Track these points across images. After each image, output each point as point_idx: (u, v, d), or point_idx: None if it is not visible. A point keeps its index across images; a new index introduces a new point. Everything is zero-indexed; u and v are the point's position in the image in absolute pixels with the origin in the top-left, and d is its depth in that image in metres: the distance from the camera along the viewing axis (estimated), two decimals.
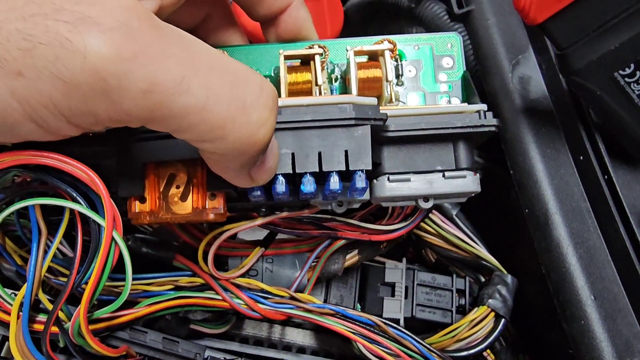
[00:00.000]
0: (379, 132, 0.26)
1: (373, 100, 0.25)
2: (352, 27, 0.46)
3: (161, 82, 0.18)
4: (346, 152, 0.24)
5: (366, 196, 0.27)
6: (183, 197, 0.25)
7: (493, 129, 0.26)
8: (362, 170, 0.25)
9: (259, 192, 0.25)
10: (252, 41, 0.34)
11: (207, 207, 0.25)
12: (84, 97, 0.17)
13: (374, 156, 0.25)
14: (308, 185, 0.24)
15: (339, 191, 0.25)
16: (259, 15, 0.30)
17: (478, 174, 0.27)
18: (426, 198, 0.27)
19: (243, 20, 0.36)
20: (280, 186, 0.24)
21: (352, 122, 0.24)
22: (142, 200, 0.25)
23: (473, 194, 0.28)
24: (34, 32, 0.17)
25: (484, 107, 0.27)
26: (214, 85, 0.19)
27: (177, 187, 0.25)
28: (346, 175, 0.25)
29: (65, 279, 0.27)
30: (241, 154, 0.21)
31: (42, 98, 0.17)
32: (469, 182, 0.26)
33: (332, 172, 0.24)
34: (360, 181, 0.25)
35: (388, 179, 0.26)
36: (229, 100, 0.19)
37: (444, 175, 0.26)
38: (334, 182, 0.24)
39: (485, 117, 0.27)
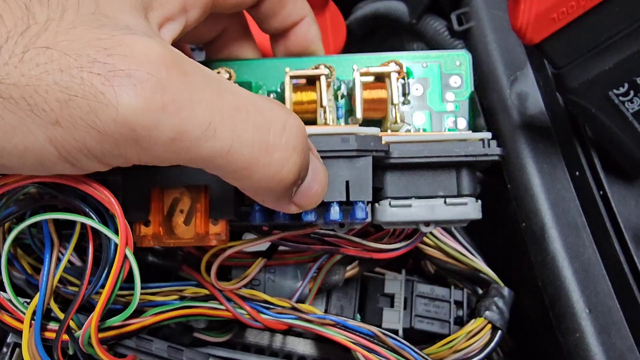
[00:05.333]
0: (382, 159, 0.26)
1: (375, 131, 0.25)
2: (355, 41, 0.47)
3: (188, 130, 0.18)
4: (347, 182, 0.25)
5: (367, 219, 0.27)
6: (186, 222, 0.25)
7: (496, 158, 0.26)
8: (362, 201, 0.25)
9: (260, 217, 0.25)
10: None
11: (209, 232, 0.25)
12: (116, 143, 0.18)
13: (376, 181, 0.26)
14: (309, 215, 0.25)
15: (340, 220, 0.25)
16: (271, 28, 0.30)
17: (479, 201, 0.27)
18: (427, 223, 0.27)
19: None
20: (282, 215, 0.25)
21: (354, 153, 0.25)
22: (147, 223, 0.25)
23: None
24: (70, 85, 0.18)
25: (488, 135, 0.27)
26: (239, 127, 0.19)
27: (181, 211, 0.25)
28: (347, 202, 0.25)
29: (73, 288, 0.28)
30: (269, 191, 0.21)
31: (77, 144, 0.18)
32: (470, 210, 0.26)
33: (333, 202, 0.25)
34: (360, 211, 0.25)
35: (390, 203, 0.26)
36: (252, 142, 0.20)
37: (445, 202, 0.26)
38: (334, 213, 0.25)
39: (489, 146, 0.26)
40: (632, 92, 0.29)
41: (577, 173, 0.33)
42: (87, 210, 0.23)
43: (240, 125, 0.19)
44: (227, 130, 0.19)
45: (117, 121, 0.18)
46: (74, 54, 0.18)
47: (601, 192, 0.32)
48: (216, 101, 0.19)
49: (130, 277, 0.24)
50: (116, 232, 0.23)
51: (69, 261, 0.29)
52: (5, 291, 0.25)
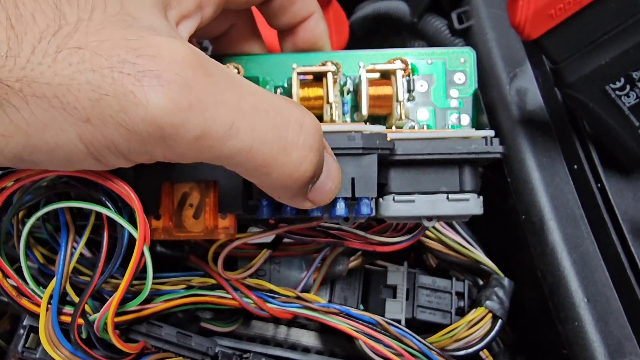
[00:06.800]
0: (386, 156, 0.26)
1: (381, 129, 0.26)
2: (357, 40, 0.48)
3: (212, 129, 0.19)
4: (353, 179, 0.25)
5: (372, 214, 0.27)
6: (196, 216, 0.26)
7: (498, 156, 0.27)
8: (367, 198, 0.25)
9: (267, 211, 0.26)
10: None
11: (218, 226, 0.26)
12: (143, 141, 0.19)
13: (381, 177, 0.26)
14: (315, 211, 0.25)
15: (345, 216, 0.26)
16: (280, 24, 0.31)
17: (481, 197, 0.27)
18: (429, 218, 0.28)
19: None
20: (289, 210, 0.26)
21: (360, 151, 0.25)
22: (157, 217, 0.26)
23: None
24: (101, 84, 0.18)
25: (491, 133, 0.27)
26: (259, 127, 0.20)
27: (190, 205, 0.26)
28: (352, 198, 0.26)
29: (84, 278, 0.29)
30: (286, 188, 0.22)
31: (105, 141, 0.19)
32: (471, 205, 0.27)
33: (339, 198, 0.25)
34: (365, 207, 0.26)
35: (393, 198, 0.27)
36: (271, 141, 0.20)
37: (447, 198, 0.27)
38: (340, 209, 0.25)
39: (491, 144, 0.27)
40: (628, 87, 0.30)
41: (575, 166, 0.34)
42: (104, 199, 0.23)
43: (261, 124, 0.20)
44: (248, 130, 0.20)
45: (146, 120, 0.18)
46: (105, 54, 0.18)
47: (599, 185, 0.33)
48: (238, 101, 0.20)
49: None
50: (130, 222, 0.24)
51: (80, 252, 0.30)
52: (21, 277, 0.26)
